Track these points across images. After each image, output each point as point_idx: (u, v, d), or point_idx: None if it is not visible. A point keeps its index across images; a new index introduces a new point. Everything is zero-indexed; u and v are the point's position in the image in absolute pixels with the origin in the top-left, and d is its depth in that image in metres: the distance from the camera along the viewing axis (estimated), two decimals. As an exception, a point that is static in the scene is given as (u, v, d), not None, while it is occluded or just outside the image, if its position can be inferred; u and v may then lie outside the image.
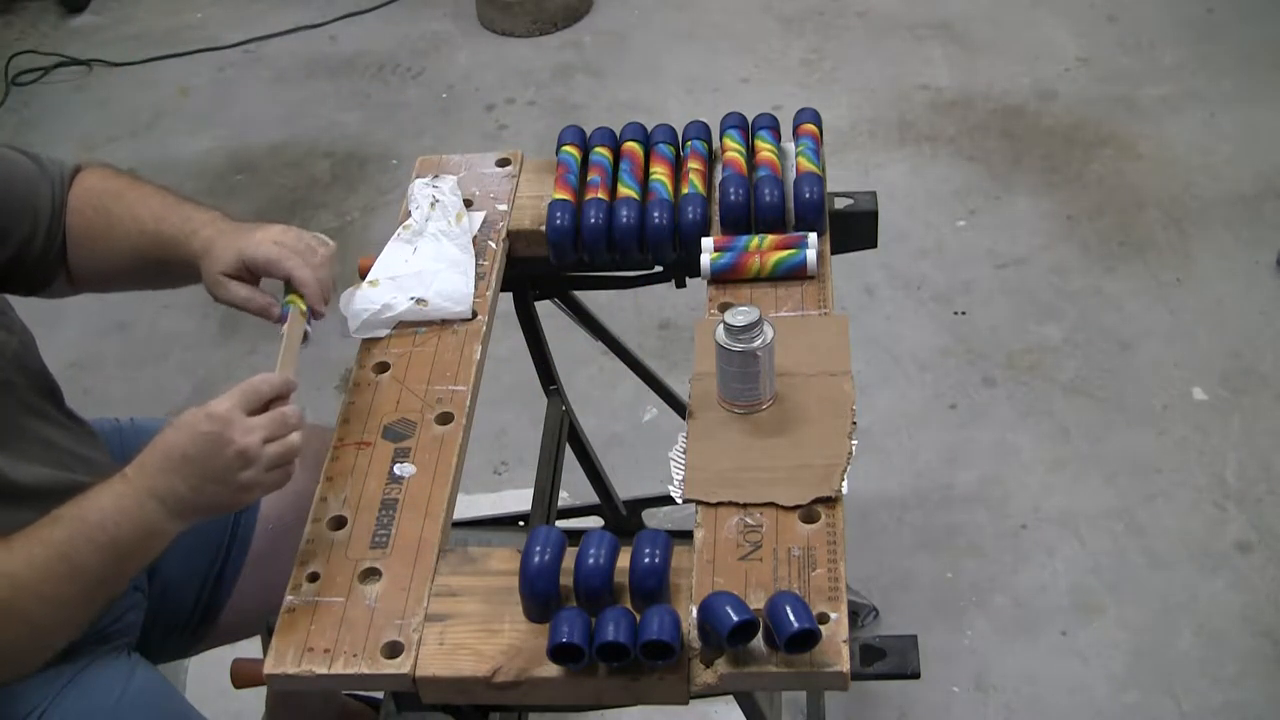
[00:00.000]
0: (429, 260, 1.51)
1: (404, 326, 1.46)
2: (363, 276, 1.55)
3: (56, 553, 1.12)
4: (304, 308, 1.37)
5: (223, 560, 1.54)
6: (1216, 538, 2.22)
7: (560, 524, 2.00)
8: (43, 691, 1.30)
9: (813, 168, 1.54)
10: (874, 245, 1.61)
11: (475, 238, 1.56)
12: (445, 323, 1.46)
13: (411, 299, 1.46)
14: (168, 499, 1.14)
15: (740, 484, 1.24)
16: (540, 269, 1.64)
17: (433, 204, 1.56)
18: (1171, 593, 2.14)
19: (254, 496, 1.18)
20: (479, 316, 1.47)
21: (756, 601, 1.12)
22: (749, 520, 1.21)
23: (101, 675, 1.35)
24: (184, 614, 1.53)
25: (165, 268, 1.41)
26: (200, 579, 1.53)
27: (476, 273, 1.52)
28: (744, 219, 1.52)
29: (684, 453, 1.29)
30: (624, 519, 2.14)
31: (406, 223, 1.56)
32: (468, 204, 1.62)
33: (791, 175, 1.56)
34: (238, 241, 1.36)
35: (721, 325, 1.28)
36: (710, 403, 1.33)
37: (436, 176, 1.64)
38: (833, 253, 1.53)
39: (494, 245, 1.56)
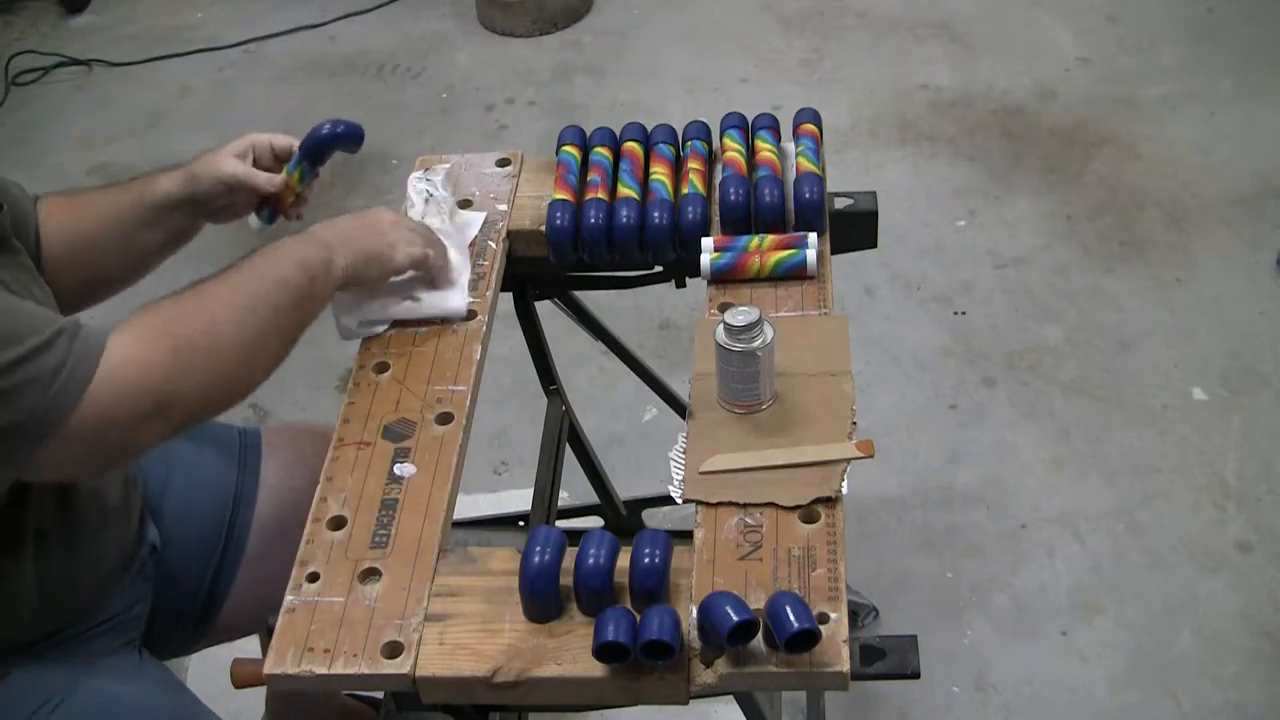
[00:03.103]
0: None
1: (402, 326, 1.46)
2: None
3: (262, 270, 1.28)
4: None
5: (220, 555, 1.54)
6: (1216, 538, 2.22)
7: (560, 524, 2.00)
8: (54, 686, 1.31)
9: (813, 168, 1.54)
10: (874, 245, 1.61)
11: (475, 238, 1.56)
12: (445, 322, 1.46)
13: (407, 298, 1.46)
14: (333, 236, 1.36)
15: (740, 484, 1.24)
16: (540, 269, 1.64)
17: (427, 199, 1.56)
18: (1171, 593, 2.14)
19: (400, 256, 1.40)
20: (479, 316, 1.47)
21: (756, 601, 1.12)
22: (749, 520, 1.21)
23: (112, 670, 1.36)
24: (185, 609, 1.53)
25: (151, 212, 1.46)
26: (200, 573, 1.53)
27: (476, 273, 1.52)
28: (744, 219, 1.52)
29: (684, 453, 1.29)
30: (624, 519, 2.14)
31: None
32: (467, 204, 1.62)
33: (791, 175, 1.56)
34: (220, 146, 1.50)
35: (721, 325, 1.28)
36: (710, 403, 1.33)
37: (429, 169, 1.64)
38: (833, 253, 1.53)
39: (494, 245, 1.56)
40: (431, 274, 1.45)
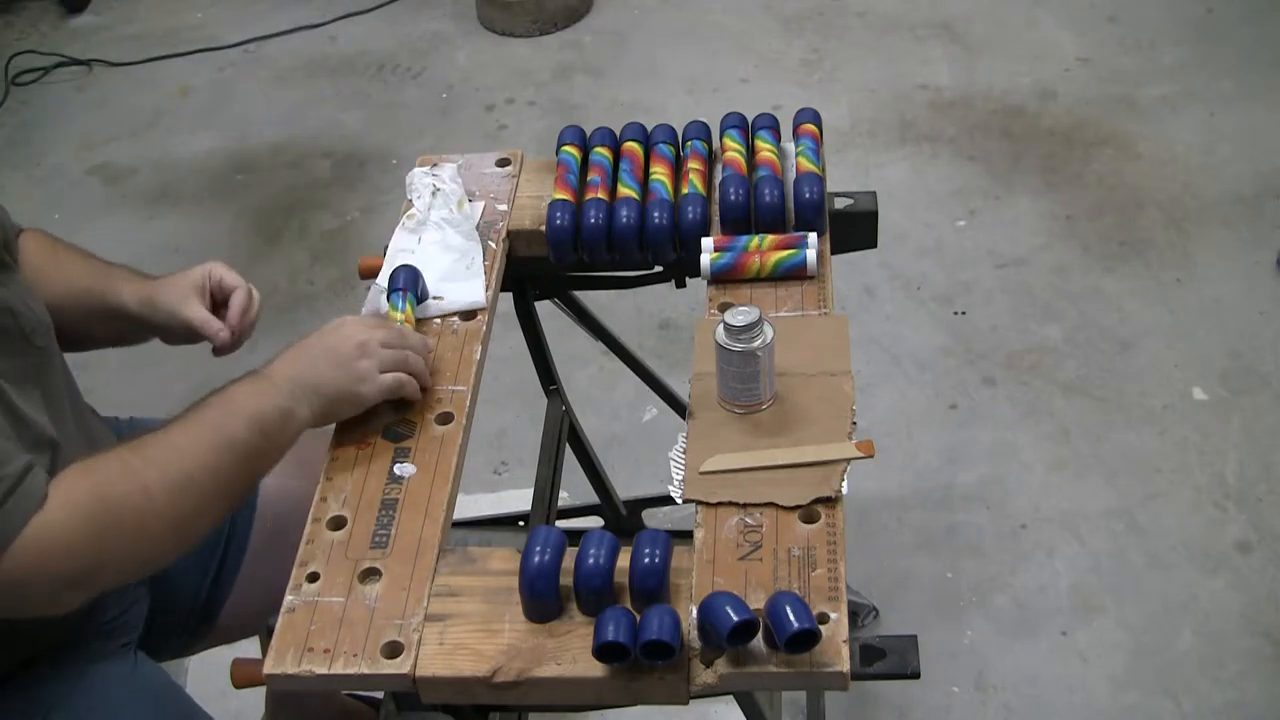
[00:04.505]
0: (436, 250, 1.51)
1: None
2: (364, 276, 1.55)
3: (215, 430, 1.20)
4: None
5: (221, 558, 1.54)
6: (1216, 538, 2.22)
7: (560, 524, 2.00)
8: (51, 690, 1.30)
9: (813, 168, 1.54)
10: (874, 245, 1.61)
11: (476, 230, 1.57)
12: (446, 321, 1.46)
13: (430, 296, 1.47)
14: (295, 382, 1.26)
15: (740, 484, 1.24)
16: (540, 269, 1.64)
17: (434, 192, 1.56)
18: (1171, 593, 2.14)
19: (370, 390, 1.30)
20: (479, 316, 1.47)
21: (756, 601, 1.12)
22: (749, 520, 1.21)
23: (108, 673, 1.35)
24: (184, 612, 1.53)
25: (107, 312, 1.45)
26: (199, 577, 1.53)
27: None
28: (744, 219, 1.52)
29: (684, 453, 1.29)
30: (624, 519, 2.14)
31: (410, 212, 1.56)
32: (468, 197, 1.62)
33: (791, 175, 1.56)
34: (182, 275, 1.45)
35: (721, 325, 1.28)
36: (710, 403, 1.33)
37: (435, 165, 1.64)
38: (833, 253, 1.53)
39: (494, 245, 1.56)
40: (408, 391, 1.34)
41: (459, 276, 1.49)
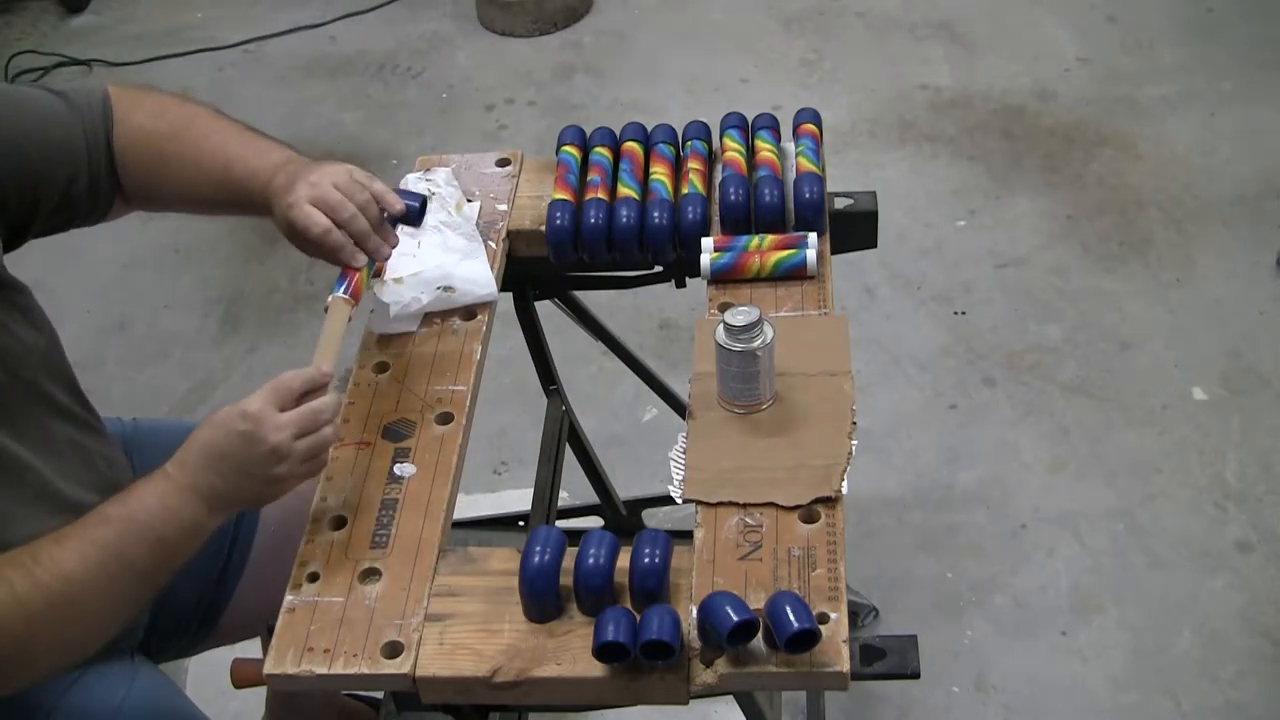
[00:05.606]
0: (437, 252, 1.51)
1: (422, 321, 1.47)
2: (368, 276, 1.55)
3: (109, 552, 1.14)
4: (350, 300, 1.32)
5: (224, 563, 1.54)
6: (1216, 538, 2.22)
7: (560, 524, 2.00)
8: (47, 693, 1.30)
9: (812, 168, 1.54)
10: (874, 245, 1.61)
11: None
12: (446, 321, 1.46)
13: (439, 289, 1.46)
14: (208, 495, 1.17)
15: (740, 484, 1.25)
16: (540, 269, 1.64)
17: (429, 196, 1.56)
18: (1171, 593, 2.14)
19: (287, 489, 1.21)
20: (479, 316, 1.47)
21: (756, 601, 1.12)
22: (749, 520, 1.21)
23: (105, 676, 1.35)
24: (185, 616, 1.53)
25: (234, 208, 1.41)
26: (202, 582, 1.53)
27: (476, 272, 1.52)
28: (744, 219, 1.52)
29: (684, 453, 1.29)
30: (624, 519, 2.14)
31: None
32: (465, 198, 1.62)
33: (791, 175, 1.56)
34: (305, 176, 1.34)
35: (721, 325, 1.28)
36: (710, 403, 1.33)
37: (429, 170, 1.64)
38: (833, 253, 1.53)
39: (494, 245, 1.56)
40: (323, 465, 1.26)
41: (473, 273, 1.49)
